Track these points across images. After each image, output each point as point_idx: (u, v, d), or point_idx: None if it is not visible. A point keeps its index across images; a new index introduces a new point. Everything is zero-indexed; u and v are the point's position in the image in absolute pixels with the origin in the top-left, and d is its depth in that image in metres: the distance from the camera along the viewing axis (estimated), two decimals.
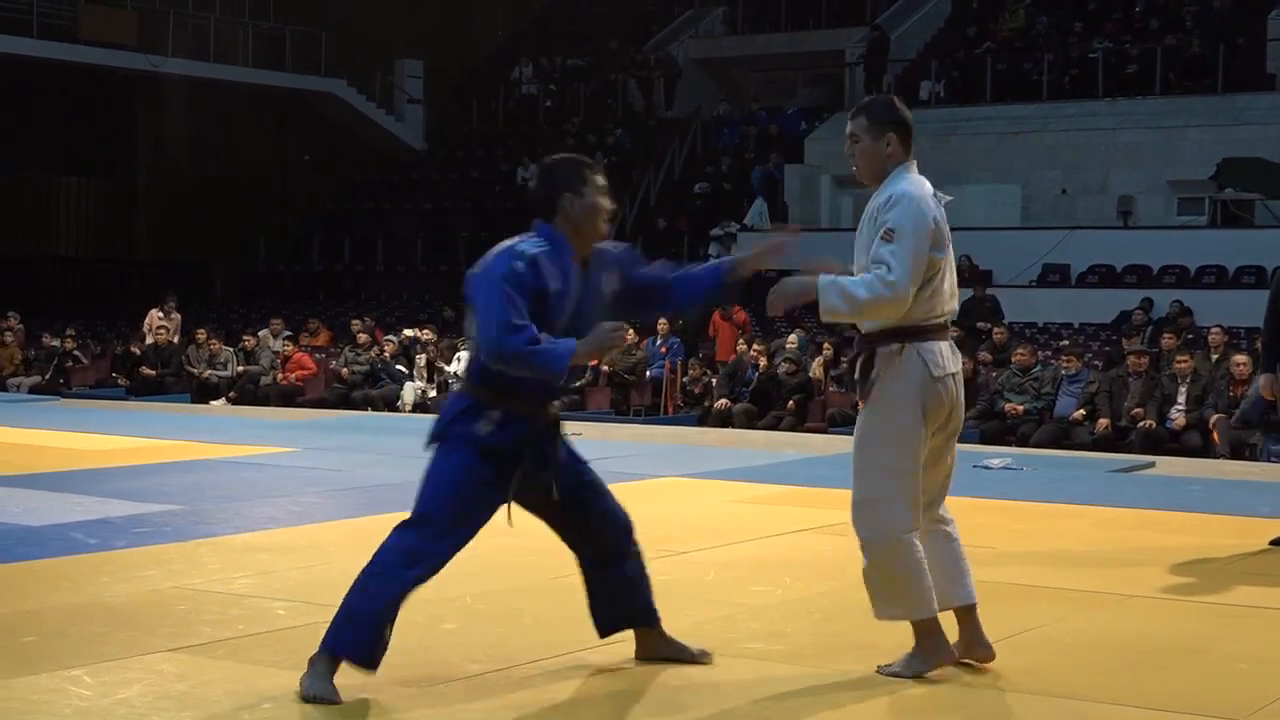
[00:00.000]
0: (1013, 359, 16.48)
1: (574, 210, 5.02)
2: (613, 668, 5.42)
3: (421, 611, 6.24)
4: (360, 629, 4.98)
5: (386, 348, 20.16)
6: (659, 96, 33.37)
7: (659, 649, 5.46)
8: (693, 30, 34.91)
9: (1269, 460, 13.30)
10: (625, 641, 5.74)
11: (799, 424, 16.73)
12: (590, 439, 13.98)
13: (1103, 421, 15.01)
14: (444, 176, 32.62)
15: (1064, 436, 15.18)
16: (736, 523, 8.71)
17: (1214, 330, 17.08)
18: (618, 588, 5.39)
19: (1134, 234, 24.82)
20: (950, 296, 5.19)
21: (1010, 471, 11.39)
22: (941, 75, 29.26)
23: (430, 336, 20.29)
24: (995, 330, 18.71)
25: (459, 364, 19.27)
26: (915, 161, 5.28)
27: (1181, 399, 15.04)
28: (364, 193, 33.23)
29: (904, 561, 5.10)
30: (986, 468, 11.35)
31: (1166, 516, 9.16)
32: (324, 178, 33.26)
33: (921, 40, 31.32)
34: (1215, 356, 16.19)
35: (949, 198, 5.27)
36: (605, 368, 18.52)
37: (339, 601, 5.03)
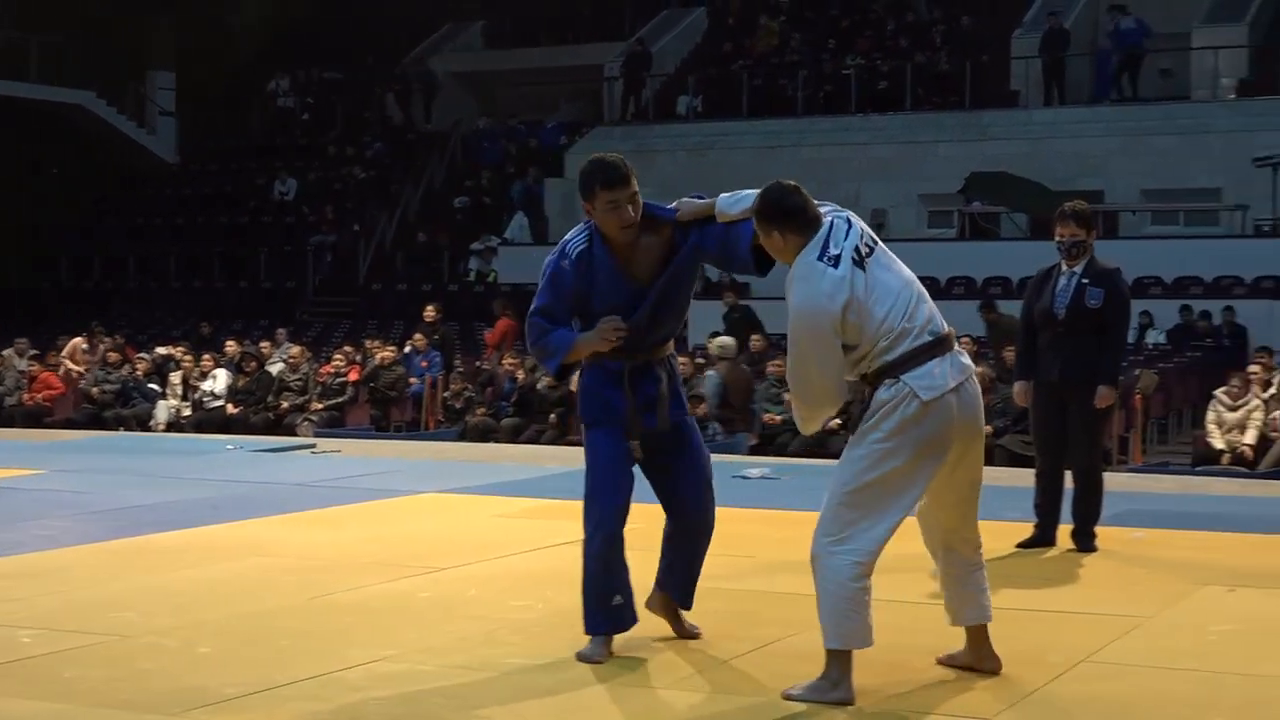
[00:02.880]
0: (769, 370, 16.66)
1: (593, 216, 5.59)
2: (372, 685, 5.36)
3: (175, 636, 6.13)
4: (590, 607, 5.71)
5: (139, 366, 19.70)
6: (418, 110, 33.22)
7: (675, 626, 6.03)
8: (451, 44, 34.82)
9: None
10: (384, 660, 5.70)
11: (561, 437, 16.73)
12: (350, 456, 13.87)
13: None
14: (197, 191, 32.01)
15: (820, 446, 15.41)
16: (498, 537, 8.70)
17: (964, 340, 17.50)
18: (679, 563, 5.92)
19: (887, 246, 25.35)
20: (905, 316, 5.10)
21: (769, 481, 11.53)
22: (699, 91, 29.63)
23: (184, 354, 19.87)
24: (753, 340, 18.99)
25: (214, 382, 18.91)
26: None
27: None
28: (114, 207, 32.44)
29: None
30: (745, 477, 11.47)
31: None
32: (73, 192, 32.36)
33: (679, 56, 31.65)
34: None
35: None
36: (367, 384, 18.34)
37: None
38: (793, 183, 5.20)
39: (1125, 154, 25.29)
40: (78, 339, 21.63)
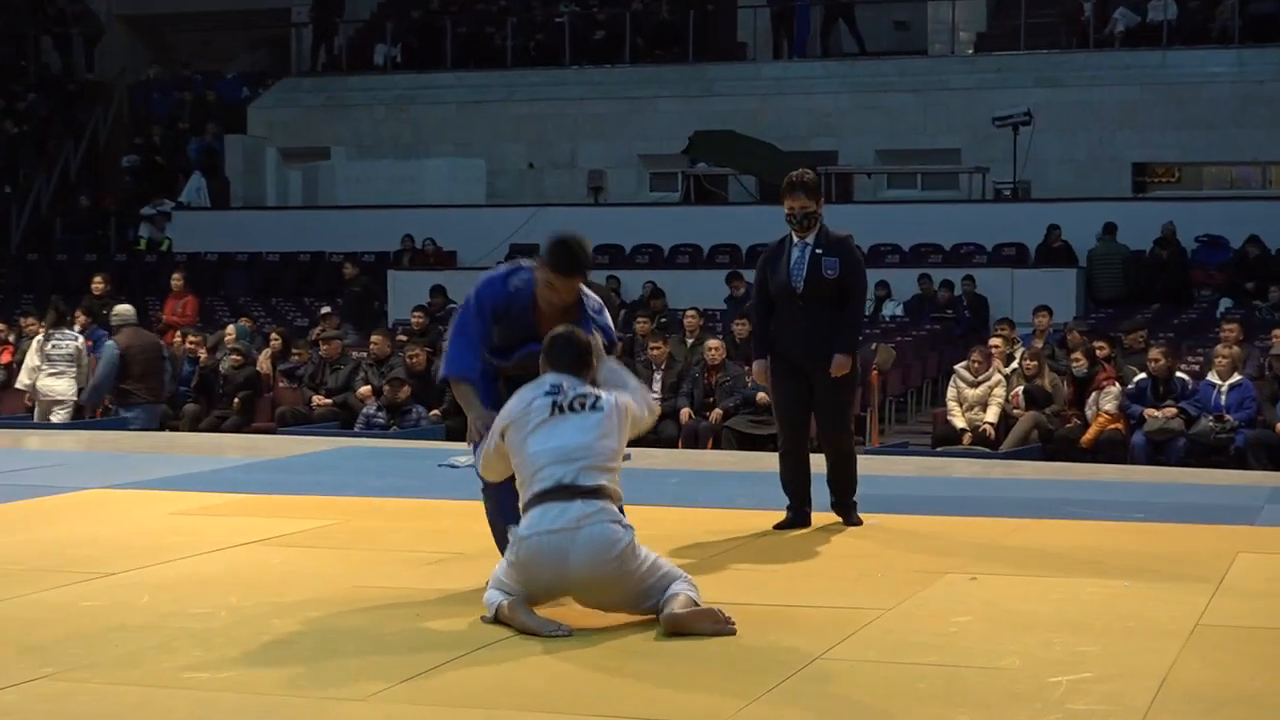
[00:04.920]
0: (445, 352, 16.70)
1: (535, 275, 6.66)
2: (30, 707, 5.21)
3: None
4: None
5: None
6: (78, 56, 32.39)
7: None
8: None
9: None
10: (44, 679, 5.54)
11: (245, 424, 16.51)
12: (4, 448, 13.45)
13: None
14: None
15: None
16: (175, 538, 8.52)
17: (689, 313, 17.75)
18: None
19: (605, 211, 25.57)
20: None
21: (475, 469, 11.46)
22: (398, 39, 29.44)
23: None
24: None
25: None
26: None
27: (657, 387, 15.54)
28: None
29: None
30: (452, 466, 11.42)
31: (644, 511, 9.44)
32: None
33: (375, 0, 31.42)
34: (690, 341, 16.83)
35: None
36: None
37: None
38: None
39: (859, 112, 25.92)
40: None
